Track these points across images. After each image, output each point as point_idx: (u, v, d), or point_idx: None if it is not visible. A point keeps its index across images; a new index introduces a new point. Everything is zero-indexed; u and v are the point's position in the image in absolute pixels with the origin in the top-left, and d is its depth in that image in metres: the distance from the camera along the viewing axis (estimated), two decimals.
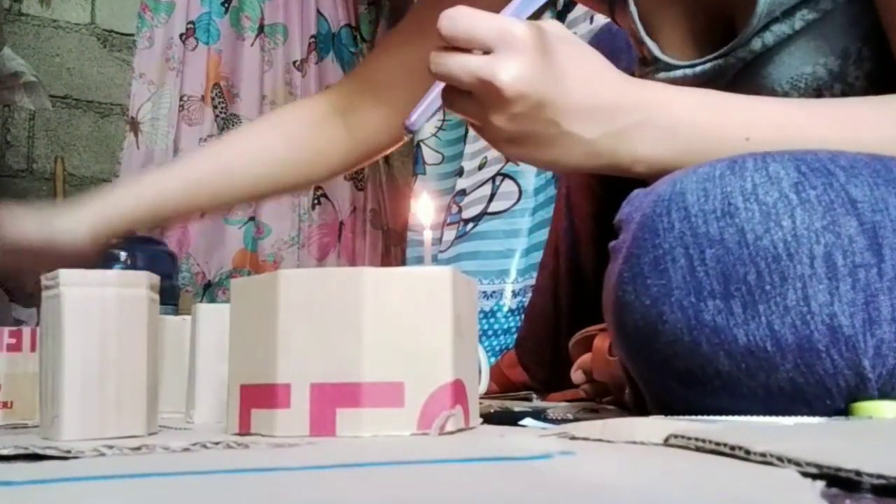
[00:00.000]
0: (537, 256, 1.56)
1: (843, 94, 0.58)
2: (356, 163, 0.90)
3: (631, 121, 0.53)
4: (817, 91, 0.60)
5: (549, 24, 0.53)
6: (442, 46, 0.52)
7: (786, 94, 0.60)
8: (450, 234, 1.77)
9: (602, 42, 0.88)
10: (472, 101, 0.53)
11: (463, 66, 0.51)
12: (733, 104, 0.54)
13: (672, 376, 0.49)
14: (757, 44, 0.60)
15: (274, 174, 0.86)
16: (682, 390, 0.49)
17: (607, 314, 0.53)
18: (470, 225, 1.72)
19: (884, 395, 0.45)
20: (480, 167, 1.75)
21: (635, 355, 0.52)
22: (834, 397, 0.45)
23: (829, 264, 0.44)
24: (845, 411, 0.46)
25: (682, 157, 0.52)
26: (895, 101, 0.53)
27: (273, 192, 0.90)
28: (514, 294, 1.60)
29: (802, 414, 0.46)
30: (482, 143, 1.74)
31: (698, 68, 0.64)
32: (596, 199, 0.98)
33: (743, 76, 0.62)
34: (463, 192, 1.77)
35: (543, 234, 1.57)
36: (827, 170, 0.46)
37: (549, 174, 1.60)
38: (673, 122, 0.53)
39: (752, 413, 0.47)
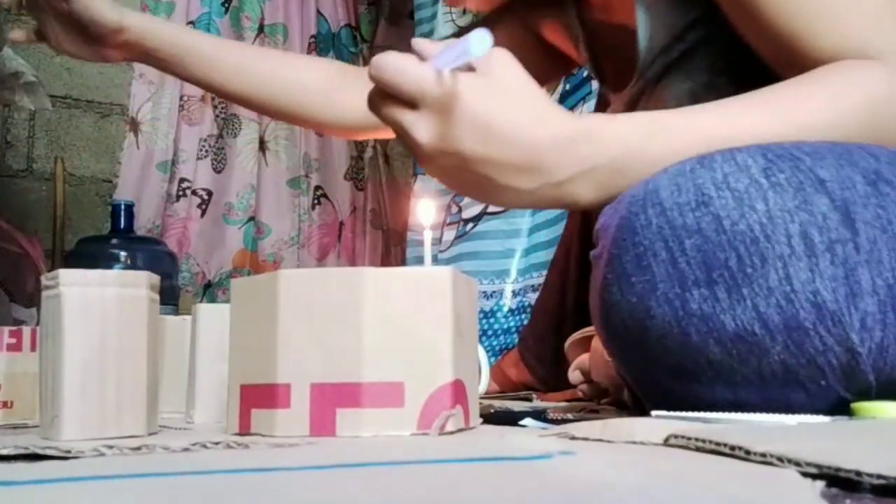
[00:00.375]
0: (538, 257, 1.57)
1: (717, 99, 0.60)
2: (334, 129, 0.97)
3: (570, 172, 0.52)
4: (694, 100, 0.60)
5: (494, 58, 0.52)
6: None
7: (676, 105, 0.60)
8: (450, 234, 1.77)
9: None
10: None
11: (389, 115, 0.53)
12: (670, 137, 0.53)
13: (665, 372, 0.49)
14: (649, 74, 0.71)
15: (298, 93, 0.92)
16: (676, 385, 0.49)
17: (595, 319, 0.53)
18: (470, 225, 1.72)
19: (878, 371, 0.45)
20: None
21: (626, 355, 0.52)
22: (828, 377, 0.46)
23: (806, 242, 0.45)
24: (845, 405, 0.46)
25: (627, 189, 0.52)
26: (816, 81, 0.55)
27: (287, 108, 0.94)
28: (515, 294, 1.60)
29: (799, 399, 0.46)
30: None
31: (625, 92, 0.74)
32: None
33: (653, 94, 0.72)
34: None
35: (544, 235, 1.57)
36: (792, 155, 0.47)
37: None
38: (613, 168, 0.52)
39: (748, 402, 0.47)
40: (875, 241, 0.45)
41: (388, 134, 0.86)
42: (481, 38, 0.46)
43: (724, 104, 0.55)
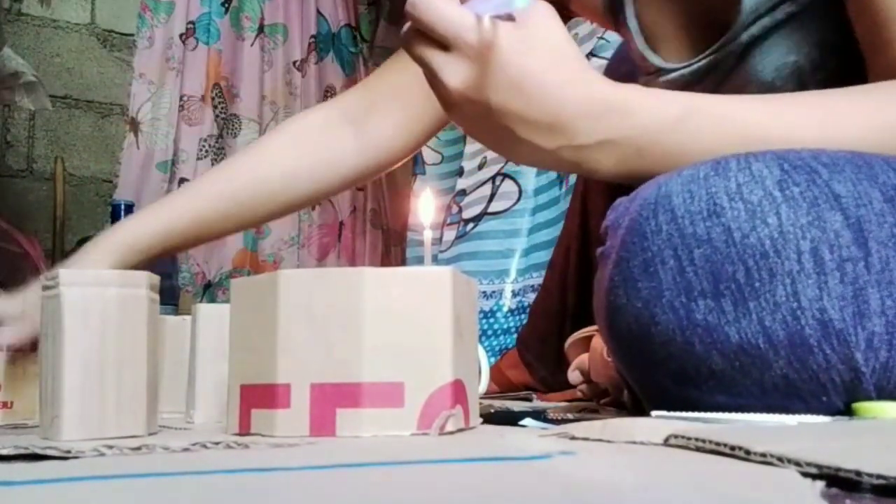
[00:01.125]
0: (537, 257, 1.57)
1: (824, 82, 0.59)
2: (367, 174, 0.86)
3: (593, 140, 0.51)
4: (799, 79, 0.61)
5: (537, 11, 0.51)
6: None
7: (771, 83, 0.61)
8: (450, 235, 1.77)
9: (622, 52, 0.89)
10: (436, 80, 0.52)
11: (421, 54, 0.52)
12: (704, 122, 0.51)
13: (667, 377, 0.49)
14: (744, 37, 0.62)
15: (284, 188, 0.82)
16: (677, 390, 0.49)
17: (599, 319, 0.53)
18: (470, 225, 1.72)
19: (880, 389, 0.45)
20: (480, 167, 1.75)
21: (629, 358, 0.52)
22: (829, 393, 0.45)
23: (816, 259, 0.44)
24: (845, 410, 0.46)
25: (646, 174, 0.52)
26: (872, 92, 0.53)
27: (284, 208, 0.85)
28: (514, 294, 1.59)
29: (800, 411, 0.46)
30: None
31: (694, 66, 0.66)
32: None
33: (733, 70, 0.64)
34: (463, 192, 1.77)
35: (544, 235, 1.57)
36: (809, 167, 0.47)
37: (552, 176, 1.60)
38: (639, 144, 0.51)
39: (749, 410, 0.47)
40: (887, 261, 0.45)
41: (432, 133, 0.80)
42: None
43: (772, 100, 0.53)
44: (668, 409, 0.49)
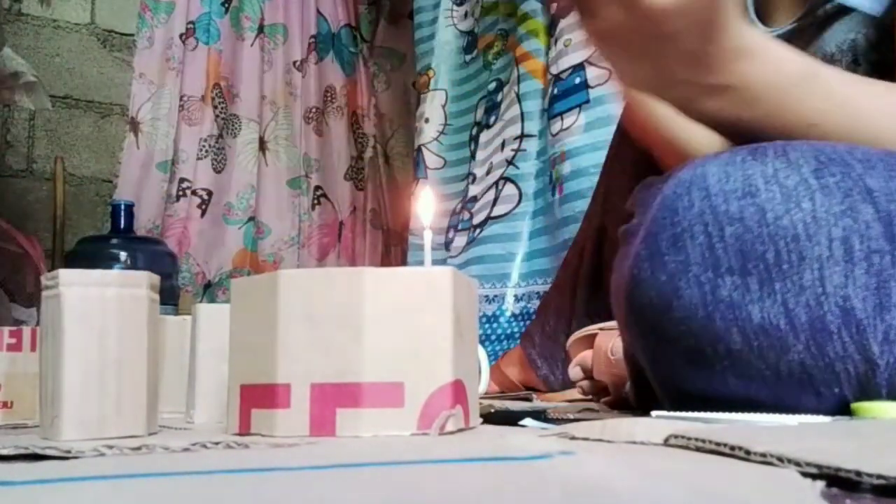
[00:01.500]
0: (540, 263, 1.56)
1: (877, 63, 0.63)
2: None
3: (722, 80, 0.53)
4: (854, 55, 0.65)
5: None
6: None
7: (831, 56, 0.65)
8: (461, 241, 1.75)
9: None
10: None
11: None
12: (819, 88, 0.54)
13: (681, 355, 0.49)
14: (821, 12, 0.67)
15: None
16: (689, 370, 0.49)
17: (618, 296, 0.53)
18: (478, 230, 1.72)
19: (891, 386, 0.45)
20: (488, 172, 1.74)
21: (646, 333, 0.52)
22: (842, 384, 0.46)
23: (846, 248, 0.45)
24: (846, 409, 0.46)
25: (753, 123, 0.53)
26: None
27: None
28: (518, 299, 1.59)
29: (809, 402, 0.47)
30: (491, 148, 1.73)
31: (783, 30, 0.70)
32: None
33: (810, 41, 0.68)
34: (474, 199, 1.76)
35: (544, 242, 1.56)
36: (844, 161, 0.48)
37: (547, 180, 1.60)
38: (754, 96, 0.53)
39: (758, 399, 0.47)
40: None
41: None
42: None
43: (869, 81, 0.55)
44: (677, 393, 0.49)
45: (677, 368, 0.50)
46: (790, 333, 0.46)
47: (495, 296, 1.62)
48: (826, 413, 0.46)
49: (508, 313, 1.59)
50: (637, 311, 0.51)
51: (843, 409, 0.46)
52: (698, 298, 0.47)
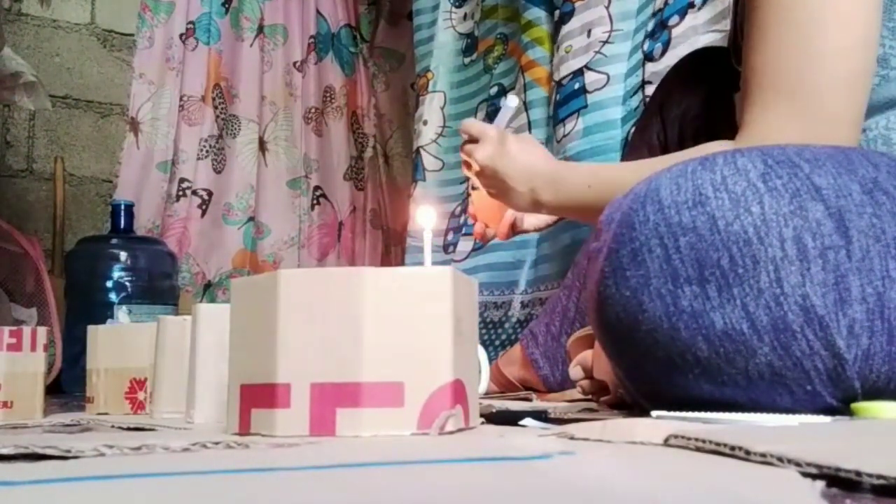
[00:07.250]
0: (544, 269, 1.55)
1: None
2: None
3: (541, 182, 0.87)
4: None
5: (521, 136, 0.99)
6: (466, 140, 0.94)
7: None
8: (466, 245, 1.74)
9: (682, 65, 1.04)
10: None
11: (464, 148, 0.94)
12: (586, 173, 0.86)
13: (654, 366, 0.50)
14: None
15: None
16: (664, 379, 0.50)
17: (590, 312, 0.55)
18: None
19: (864, 378, 0.46)
20: None
21: (618, 348, 0.53)
22: (814, 381, 0.46)
23: (799, 247, 0.46)
24: (843, 410, 0.46)
25: (562, 202, 0.86)
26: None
27: None
28: (524, 306, 1.58)
29: (785, 402, 0.47)
30: None
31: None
32: None
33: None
34: None
35: (548, 248, 1.55)
36: (792, 161, 0.48)
37: None
38: (560, 186, 0.86)
39: (735, 401, 0.48)
40: (868, 249, 0.46)
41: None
42: (512, 100, 0.99)
43: (631, 166, 0.81)
44: (657, 400, 0.49)
45: (652, 377, 0.51)
46: (754, 336, 0.46)
47: (503, 302, 1.61)
48: (806, 410, 0.47)
49: (514, 319, 1.58)
50: (607, 328, 0.52)
51: (821, 406, 0.47)
52: (661, 311, 0.48)
